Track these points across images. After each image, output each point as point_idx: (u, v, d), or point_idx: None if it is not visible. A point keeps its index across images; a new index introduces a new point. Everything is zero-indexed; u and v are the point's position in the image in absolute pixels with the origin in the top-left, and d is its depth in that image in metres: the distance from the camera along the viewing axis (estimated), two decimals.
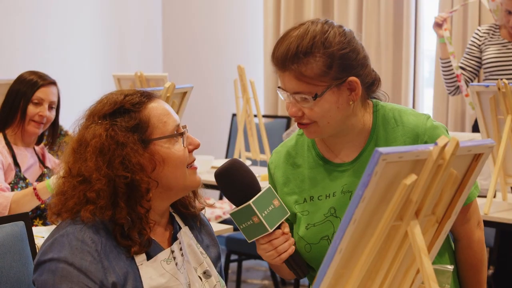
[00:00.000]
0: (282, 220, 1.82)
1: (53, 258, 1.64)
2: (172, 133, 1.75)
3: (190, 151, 1.79)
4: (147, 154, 1.71)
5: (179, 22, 6.67)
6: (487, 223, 3.20)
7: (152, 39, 6.71)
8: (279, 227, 1.82)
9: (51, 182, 2.89)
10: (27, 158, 3.26)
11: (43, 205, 3.20)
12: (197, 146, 1.81)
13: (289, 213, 1.84)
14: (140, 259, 1.71)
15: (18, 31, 5.68)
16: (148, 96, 1.79)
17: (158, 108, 1.77)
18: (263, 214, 1.77)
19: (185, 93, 3.50)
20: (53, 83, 3.30)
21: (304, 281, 4.64)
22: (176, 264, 1.77)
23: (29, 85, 3.23)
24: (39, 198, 2.91)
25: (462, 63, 4.40)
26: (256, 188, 1.80)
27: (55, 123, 3.36)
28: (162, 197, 1.76)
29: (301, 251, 1.97)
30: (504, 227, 3.30)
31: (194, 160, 1.81)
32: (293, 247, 1.85)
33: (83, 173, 1.69)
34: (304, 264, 1.89)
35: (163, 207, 1.79)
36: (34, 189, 2.90)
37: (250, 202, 1.76)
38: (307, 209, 1.96)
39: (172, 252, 1.78)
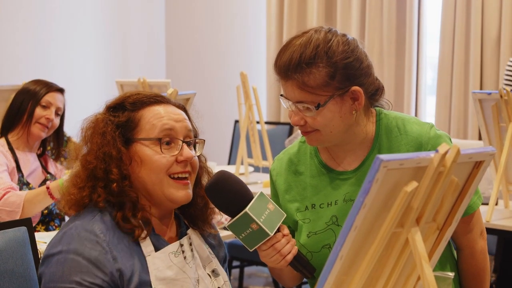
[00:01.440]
0: (281, 222, 1.80)
1: (62, 250, 1.66)
2: (155, 137, 1.76)
3: (179, 162, 1.76)
4: (124, 150, 1.74)
5: (182, 28, 6.68)
6: (489, 231, 3.19)
7: (155, 46, 6.72)
8: (278, 230, 1.80)
9: (64, 180, 2.90)
10: (30, 162, 3.27)
11: (46, 211, 3.21)
12: (187, 159, 1.76)
13: (285, 215, 1.82)
14: (148, 250, 1.72)
15: (22, 38, 5.69)
16: (157, 100, 1.81)
17: (154, 111, 1.79)
18: (261, 219, 1.74)
19: (187, 100, 3.51)
20: (61, 90, 3.35)
21: (306, 287, 4.64)
22: (185, 258, 1.77)
23: (38, 89, 3.29)
24: (52, 197, 2.91)
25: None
26: (248, 195, 1.77)
27: (59, 132, 3.38)
28: (151, 203, 1.77)
29: None
30: (506, 235, 3.30)
31: (183, 172, 1.77)
32: (296, 247, 1.83)
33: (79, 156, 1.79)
34: (308, 262, 1.87)
35: (158, 213, 1.80)
36: (48, 188, 2.91)
37: (246, 209, 1.73)
38: (309, 217, 1.95)
39: (181, 245, 1.78)
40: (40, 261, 1.71)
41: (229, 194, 1.77)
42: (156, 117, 1.77)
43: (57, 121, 3.32)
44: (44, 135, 3.29)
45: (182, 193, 1.76)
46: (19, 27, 5.66)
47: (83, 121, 1.82)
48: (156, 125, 1.76)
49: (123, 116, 1.78)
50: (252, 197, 1.77)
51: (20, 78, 4.42)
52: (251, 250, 1.80)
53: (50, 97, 3.28)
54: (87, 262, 1.64)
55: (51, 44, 5.87)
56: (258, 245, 1.78)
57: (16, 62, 5.62)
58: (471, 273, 1.99)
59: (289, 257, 1.81)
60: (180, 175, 1.77)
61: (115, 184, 1.72)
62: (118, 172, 1.72)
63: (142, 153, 1.75)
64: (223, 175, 1.79)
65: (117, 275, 1.66)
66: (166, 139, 1.76)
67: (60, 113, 3.34)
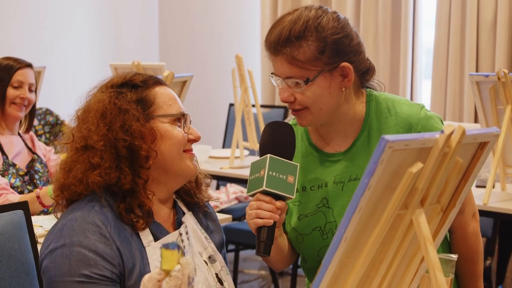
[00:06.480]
0: (281, 193, 1.76)
1: (65, 243, 1.62)
2: (175, 114, 1.77)
3: (189, 141, 1.79)
4: (148, 125, 1.72)
5: (176, 11, 6.64)
6: (486, 213, 3.20)
7: (149, 29, 6.69)
8: (274, 197, 1.76)
9: (52, 188, 2.88)
10: (13, 146, 3.22)
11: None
12: (197, 138, 1.81)
13: (293, 197, 1.78)
14: (147, 240, 1.71)
15: (15, 21, 5.65)
16: (158, 81, 1.82)
17: (165, 92, 1.80)
18: (270, 173, 1.74)
19: (184, 82, 3.49)
20: (29, 65, 3.28)
21: (301, 271, 4.64)
22: (184, 247, 1.76)
23: (5, 70, 3.21)
24: (43, 205, 2.88)
25: None
26: (288, 154, 1.80)
27: (32, 107, 3.32)
28: (160, 181, 1.76)
29: (293, 242, 1.96)
30: (502, 217, 3.30)
31: (192, 150, 1.81)
32: (271, 222, 1.76)
33: (86, 137, 1.70)
34: (270, 244, 1.78)
35: (163, 193, 1.78)
36: (38, 197, 2.88)
37: (269, 155, 1.76)
38: (299, 200, 1.95)
39: (180, 234, 1.77)
40: (42, 255, 1.67)
41: (281, 139, 1.81)
42: (169, 98, 1.79)
43: (32, 97, 3.25)
44: (22, 114, 3.24)
45: (193, 165, 1.79)
46: (13, 11, 5.62)
47: (81, 99, 1.78)
48: (173, 106, 1.78)
49: (135, 94, 1.76)
50: (289, 159, 1.79)
51: None
52: (247, 194, 1.80)
53: (19, 75, 3.21)
54: (93, 255, 1.61)
55: (45, 28, 5.83)
56: (252, 192, 1.78)
57: (10, 46, 5.58)
58: (464, 255, 1.99)
59: (259, 221, 1.76)
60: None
61: (144, 162, 1.70)
62: (147, 149, 1.70)
63: (162, 129, 1.74)
64: (292, 127, 1.85)
65: (122, 266, 1.64)
66: (180, 114, 1.79)
67: (33, 89, 3.26)
